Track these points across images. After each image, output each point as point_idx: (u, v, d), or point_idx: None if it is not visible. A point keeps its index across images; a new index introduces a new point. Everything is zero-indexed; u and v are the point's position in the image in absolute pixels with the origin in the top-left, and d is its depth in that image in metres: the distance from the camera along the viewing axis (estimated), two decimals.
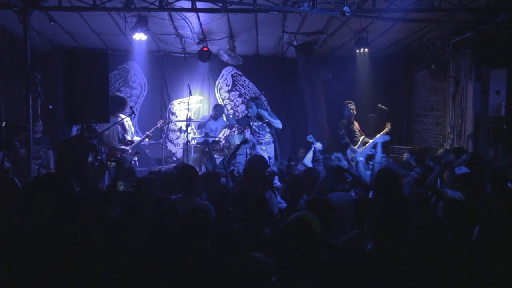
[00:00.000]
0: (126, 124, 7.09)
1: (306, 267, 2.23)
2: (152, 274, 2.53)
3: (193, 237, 2.87)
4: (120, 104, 6.88)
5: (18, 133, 5.92)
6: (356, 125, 8.17)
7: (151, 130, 7.30)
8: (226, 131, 9.84)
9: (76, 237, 2.65)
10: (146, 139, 7.38)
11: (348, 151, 7.89)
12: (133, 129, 7.48)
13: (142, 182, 3.49)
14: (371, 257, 2.61)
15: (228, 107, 10.11)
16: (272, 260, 2.64)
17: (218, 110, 8.84)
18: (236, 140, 8.23)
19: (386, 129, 7.99)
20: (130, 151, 6.81)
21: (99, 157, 6.44)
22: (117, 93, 8.46)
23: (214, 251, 2.85)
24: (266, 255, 2.84)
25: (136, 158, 7.43)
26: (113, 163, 4.53)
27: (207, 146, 7.21)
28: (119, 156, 6.68)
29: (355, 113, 8.11)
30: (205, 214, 2.98)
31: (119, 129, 6.98)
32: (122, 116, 6.99)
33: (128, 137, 7.12)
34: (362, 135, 8.13)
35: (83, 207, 3.33)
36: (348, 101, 8.17)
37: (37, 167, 7.05)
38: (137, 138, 7.38)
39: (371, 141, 7.97)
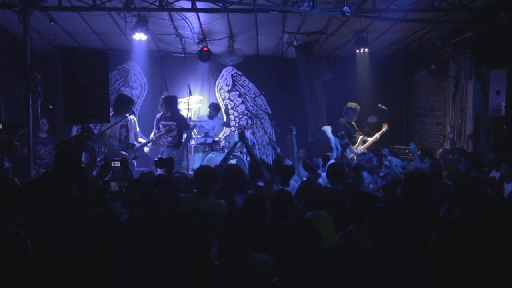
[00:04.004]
0: (129, 124, 7.07)
1: (308, 268, 2.23)
2: (147, 275, 2.53)
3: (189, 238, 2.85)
4: (126, 103, 6.87)
5: (17, 130, 5.92)
6: (354, 124, 8.17)
7: (156, 135, 7.29)
8: (226, 131, 9.84)
9: (75, 237, 2.65)
10: (149, 144, 7.36)
11: (348, 151, 7.89)
12: (138, 129, 7.47)
13: (135, 183, 3.50)
14: (371, 258, 2.60)
15: (229, 106, 10.11)
16: (273, 260, 2.64)
17: (213, 109, 8.79)
18: (236, 140, 8.22)
19: (383, 129, 8.00)
20: (127, 155, 6.77)
21: (99, 158, 6.45)
22: (123, 92, 8.45)
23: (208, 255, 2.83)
24: (267, 254, 2.84)
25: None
26: (116, 163, 4.51)
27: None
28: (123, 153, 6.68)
29: (348, 113, 8.11)
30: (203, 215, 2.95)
31: (122, 129, 6.96)
32: (131, 116, 6.98)
33: (138, 137, 7.15)
34: (360, 134, 8.13)
35: (77, 208, 3.34)
36: (353, 104, 8.13)
37: (37, 167, 7.02)
38: (141, 140, 7.36)
39: (370, 139, 7.99)
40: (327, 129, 6.99)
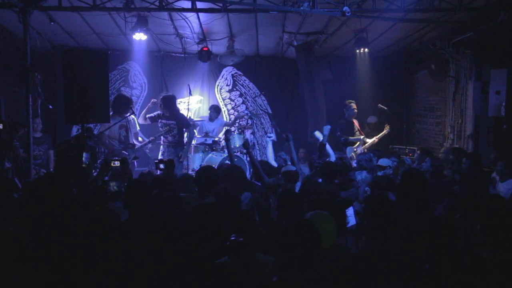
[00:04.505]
0: (130, 124, 7.06)
1: (308, 268, 2.23)
2: (147, 275, 2.53)
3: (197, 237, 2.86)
4: (125, 103, 6.87)
5: (17, 130, 5.93)
6: (356, 124, 8.17)
7: (156, 135, 7.28)
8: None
9: (75, 237, 2.65)
10: (149, 144, 7.35)
11: (348, 149, 7.90)
12: (138, 128, 7.47)
13: (134, 183, 3.50)
14: (371, 258, 2.60)
15: (229, 106, 10.11)
16: (273, 260, 2.64)
17: (213, 111, 8.77)
18: (236, 140, 8.23)
19: (384, 131, 8.00)
20: (127, 154, 6.77)
21: (100, 159, 6.45)
22: (122, 93, 8.45)
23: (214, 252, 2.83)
24: (267, 254, 2.84)
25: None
26: (116, 163, 4.51)
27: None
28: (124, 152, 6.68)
29: (356, 112, 8.11)
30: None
31: (121, 129, 6.95)
32: (131, 116, 6.97)
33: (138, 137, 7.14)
34: (361, 134, 8.12)
35: (76, 208, 3.35)
36: (350, 101, 8.17)
37: (37, 167, 7.02)
38: (141, 139, 7.36)
39: (370, 141, 7.98)
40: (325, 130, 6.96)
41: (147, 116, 7.46)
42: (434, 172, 5.47)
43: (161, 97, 7.49)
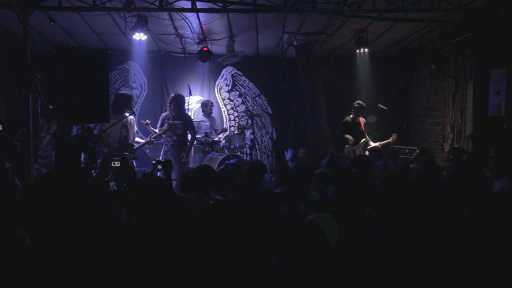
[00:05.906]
0: (128, 124, 7.06)
1: (311, 269, 2.23)
2: (147, 275, 2.53)
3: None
4: (126, 102, 6.88)
5: (16, 130, 5.94)
6: (361, 124, 8.12)
7: (154, 135, 7.28)
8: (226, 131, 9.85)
9: (75, 237, 2.65)
10: (147, 145, 7.35)
11: (345, 148, 7.88)
12: (136, 128, 7.47)
13: (134, 183, 3.50)
14: (373, 257, 2.60)
15: (228, 107, 10.11)
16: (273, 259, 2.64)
17: (211, 105, 8.80)
18: (236, 140, 8.23)
19: (390, 140, 7.98)
20: (128, 153, 6.77)
21: (99, 159, 6.45)
22: (122, 91, 8.46)
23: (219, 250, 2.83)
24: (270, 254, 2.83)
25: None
26: (116, 163, 4.51)
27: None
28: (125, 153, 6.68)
29: (353, 111, 8.06)
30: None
31: (122, 129, 6.95)
32: (127, 114, 6.96)
33: (136, 138, 7.14)
34: (364, 136, 8.06)
35: (77, 208, 3.35)
36: (356, 102, 8.12)
37: (37, 166, 7.03)
38: (139, 140, 7.35)
39: (372, 144, 7.95)
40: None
41: (158, 129, 7.44)
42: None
43: (172, 95, 7.55)
